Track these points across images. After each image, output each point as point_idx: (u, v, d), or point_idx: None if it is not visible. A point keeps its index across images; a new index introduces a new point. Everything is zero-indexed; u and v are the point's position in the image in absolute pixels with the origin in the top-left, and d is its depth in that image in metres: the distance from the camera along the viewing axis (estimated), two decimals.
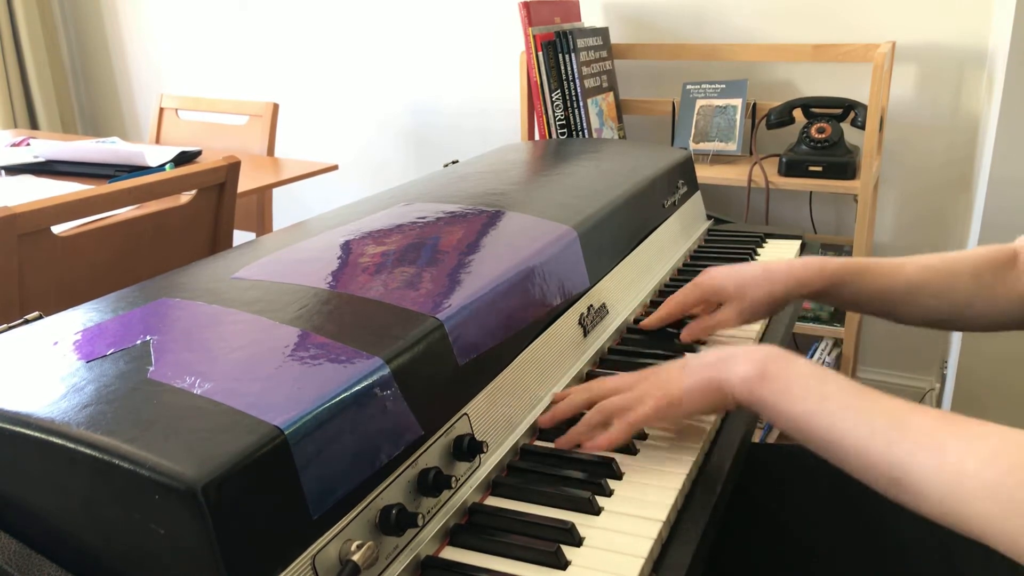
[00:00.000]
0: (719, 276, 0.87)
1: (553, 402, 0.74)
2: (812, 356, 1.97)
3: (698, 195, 1.29)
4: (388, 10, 2.52)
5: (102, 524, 0.48)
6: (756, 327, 0.94)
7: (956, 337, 1.78)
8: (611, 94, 2.10)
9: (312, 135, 2.78)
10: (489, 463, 0.65)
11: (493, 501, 0.64)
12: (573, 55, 1.95)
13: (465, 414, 0.64)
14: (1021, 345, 1.65)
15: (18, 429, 0.49)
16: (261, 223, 2.23)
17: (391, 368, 0.57)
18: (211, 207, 1.44)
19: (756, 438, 1.88)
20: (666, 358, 0.84)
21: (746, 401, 0.65)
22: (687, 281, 1.06)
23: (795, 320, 1.15)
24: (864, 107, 1.84)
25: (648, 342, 0.90)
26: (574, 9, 2.11)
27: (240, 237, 2.40)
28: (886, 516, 0.83)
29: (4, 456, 0.50)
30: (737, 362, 0.66)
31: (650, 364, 0.82)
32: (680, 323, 0.90)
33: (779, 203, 2.13)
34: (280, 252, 0.78)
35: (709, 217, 1.34)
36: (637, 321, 0.95)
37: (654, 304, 1.00)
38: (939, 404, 1.95)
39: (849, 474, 0.59)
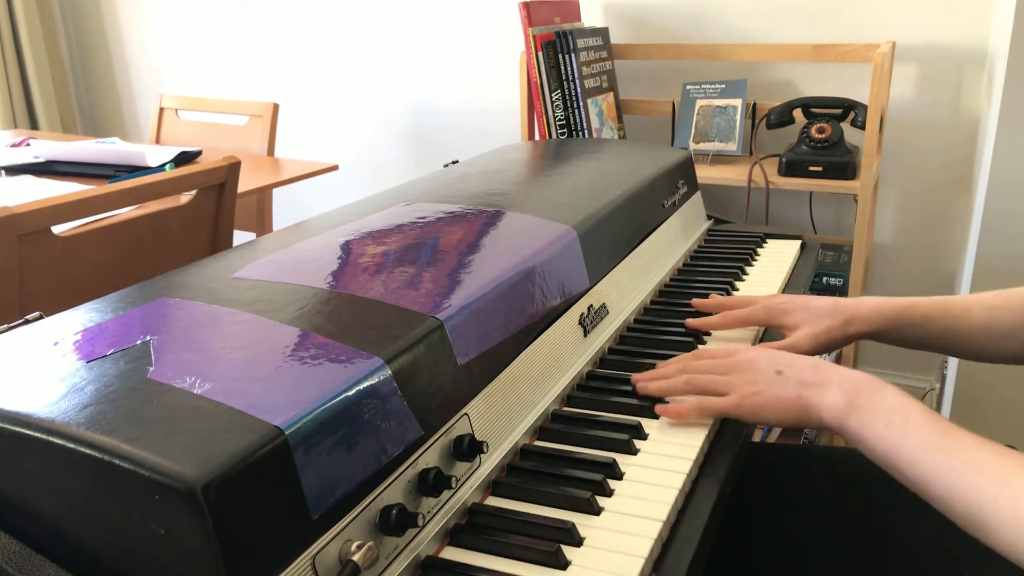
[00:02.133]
0: (789, 302, 0.87)
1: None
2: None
3: (698, 195, 1.29)
4: (388, 10, 2.52)
5: (102, 524, 0.48)
6: (753, 330, 0.94)
7: None
8: (611, 94, 2.10)
9: (312, 135, 2.78)
10: (489, 463, 0.65)
11: (493, 501, 0.64)
12: (573, 55, 1.95)
13: (465, 414, 0.64)
14: None
15: (18, 429, 0.49)
16: (261, 223, 2.23)
17: (391, 368, 0.57)
18: (211, 207, 1.44)
19: (756, 438, 1.88)
20: (664, 357, 0.84)
21: (832, 428, 0.67)
22: (687, 281, 1.06)
23: None
24: (864, 107, 1.84)
25: (648, 341, 0.90)
26: (574, 9, 2.11)
27: (240, 237, 2.40)
28: (886, 516, 0.83)
29: (4, 456, 0.50)
30: (830, 388, 0.67)
31: (650, 366, 0.82)
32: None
33: (779, 203, 2.13)
34: (280, 252, 0.78)
35: (709, 217, 1.34)
36: (638, 321, 0.95)
37: (655, 304, 1.00)
38: (939, 404, 1.95)
39: (859, 456, 0.61)
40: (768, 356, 0.73)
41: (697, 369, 0.75)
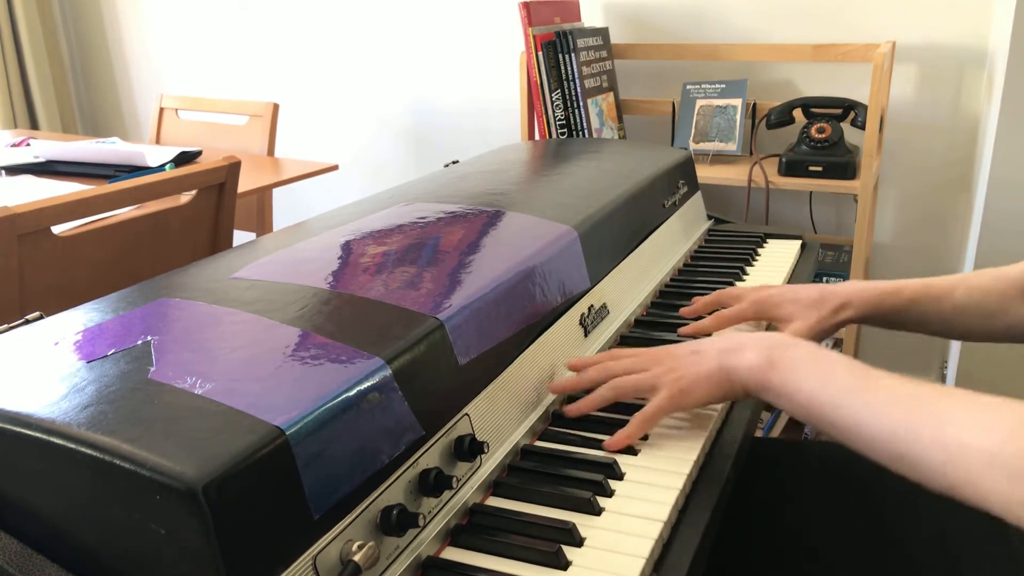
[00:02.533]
0: (777, 295, 0.88)
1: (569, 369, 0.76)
2: None
3: (698, 195, 1.29)
4: (388, 10, 2.52)
5: (102, 524, 0.47)
6: (756, 324, 0.94)
7: None
8: (611, 94, 2.10)
9: (312, 135, 2.78)
10: (490, 463, 0.65)
11: (494, 501, 0.64)
12: (573, 55, 1.95)
13: (466, 414, 0.64)
14: (1022, 348, 1.65)
15: (19, 429, 0.49)
16: (261, 223, 2.23)
17: (392, 368, 0.57)
18: (211, 207, 1.44)
19: (758, 434, 1.88)
20: None
21: (754, 389, 0.67)
22: (687, 281, 1.06)
23: None
24: (864, 107, 1.84)
25: (649, 341, 0.90)
26: (574, 9, 2.11)
27: (240, 237, 2.40)
28: (886, 513, 0.83)
29: (4, 456, 0.50)
30: (745, 350, 0.67)
31: None
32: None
33: (779, 203, 2.13)
34: (280, 252, 0.78)
35: (709, 217, 1.34)
36: (638, 321, 0.95)
37: (655, 304, 1.00)
38: None
39: (858, 453, 0.60)
40: (675, 346, 0.73)
41: (616, 371, 0.73)
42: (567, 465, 0.67)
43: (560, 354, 0.79)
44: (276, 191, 2.79)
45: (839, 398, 0.60)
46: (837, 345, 1.99)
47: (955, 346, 1.79)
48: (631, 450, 0.69)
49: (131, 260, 1.33)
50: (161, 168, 1.76)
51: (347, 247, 0.78)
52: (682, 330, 0.90)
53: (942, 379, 2.00)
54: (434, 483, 0.58)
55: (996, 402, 0.52)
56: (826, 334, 0.86)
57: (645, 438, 0.71)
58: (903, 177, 2.02)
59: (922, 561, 0.79)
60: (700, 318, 0.91)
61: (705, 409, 0.76)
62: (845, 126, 1.92)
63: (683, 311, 0.94)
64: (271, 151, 2.21)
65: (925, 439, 0.54)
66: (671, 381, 0.70)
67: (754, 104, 2.02)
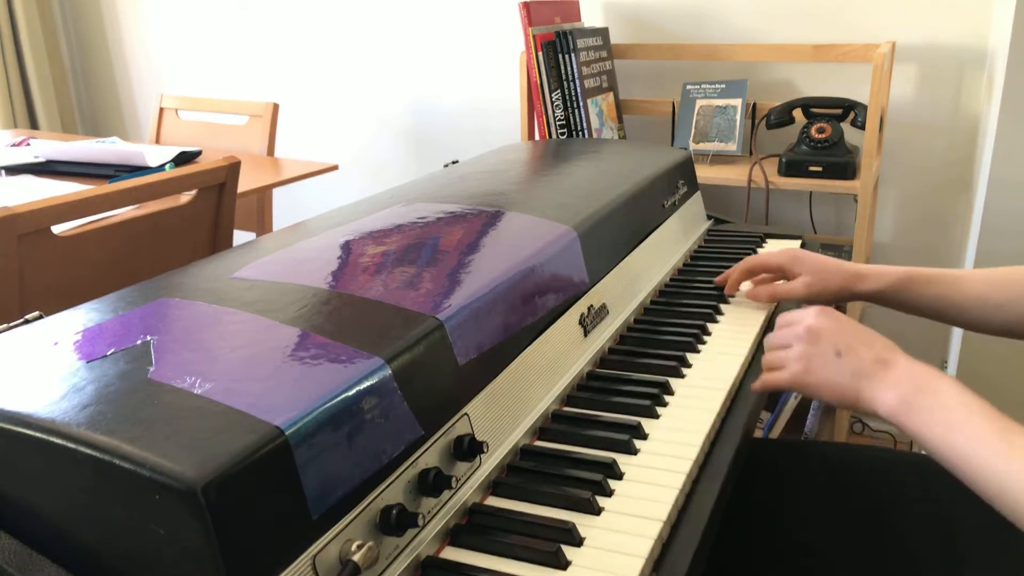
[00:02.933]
0: (803, 254, 0.96)
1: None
2: None
3: (698, 195, 1.29)
4: (388, 10, 2.52)
5: (102, 524, 0.47)
6: (757, 327, 0.94)
7: (956, 336, 1.78)
8: (611, 94, 2.10)
9: (312, 135, 2.78)
10: (489, 463, 0.65)
11: (493, 501, 0.64)
12: (573, 55, 1.95)
13: (465, 414, 0.64)
14: (1022, 345, 1.65)
15: (18, 429, 0.49)
16: (261, 223, 2.23)
17: (391, 368, 0.57)
18: (211, 207, 1.44)
19: (758, 434, 1.87)
20: (665, 357, 0.84)
21: (889, 421, 0.69)
22: (687, 281, 1.06)
23: None
24: (864, 107, 1.84)
25: (648, 341, 0.90)
26: (574, 9, 2.11)
27: (240, 237, 2.40)
28: (887, 513, 0.83)
29: (4, 456, 0.50)
30: (886, 385, 0.69)
31: (652, 364, 0.82)
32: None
33: (779, 203, 2.13)
34: (280, 252, 0.78)
35: (709, 217, 1.34)
36: (638, 321, 0.95)
37: (655, 304, 1.00)
38: None
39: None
40: (832, 330, 0.75)
41: (771, 342, 0.80)
42: (567, 465, 0.67)
43: (559, 354, 0.79)
44: (276, 191, 2.79)
45: (979, 459, 0.61)
46: None
47: (955, 342, 1.79)
48: (631, 449, 0.69)
49: (131, 260, 1.33)
50: (161, 168, 1.76)
51: (347, 247, 0.78)
52: (719, 278, 1.04)
53: None
54: (433, 483, 0.58)
55: None
56: (831, 298, 0.92)
57: (645, 438, 0.71)
58: (903, 177, 2.02)
59: (923, 562, 0.79)
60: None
61: (704, 409, 0.76)
62: (845, 126, 1.92)
63: (718, 280, 1.05)
64: (271, 151, 2.21)
65: None
66: (801, 371, 0.74)
67: (754, 104, 2.02)
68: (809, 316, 0.77)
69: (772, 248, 1.21)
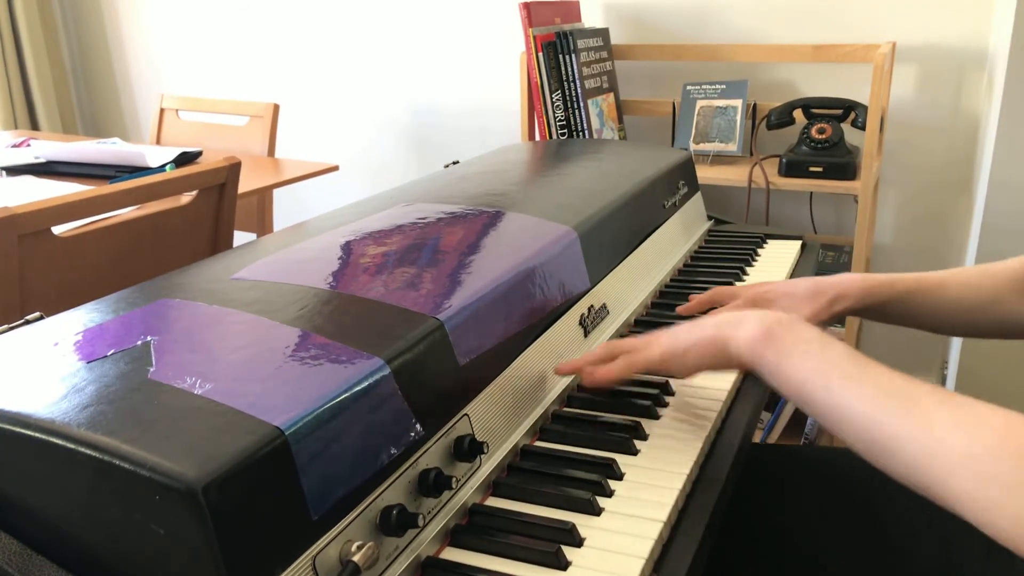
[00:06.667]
0: (772, 290, 0.89)
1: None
2: None
3: (698, 196, 1.29)
4: (388, 11, 2.52)
5: (102, 524, 0.48)
6: None
7: (956, 338, 1.78)
8: (611, 95, 2.10)
9: (312, 135, 2.78)
10: (489, 464, 0.65)
11: (493, 502, 0.64)
12: (573, 56, 1.95)
13: (466, 414, 0.64)
14: (1022, 345, 1.65)
15: (19, 429, 0.49)
16: (262, 224, 2.23)
17: (391, 368, 0.57)
18: (212, 208, 1.44)
19: (757, 439, 1.88)
20: None
21: (749, 361, 0.67)
22: (687, 281, 1.06)
23: None
24: (864, 107, 1.84)
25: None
26: (574, 10, 2.11)
27: (241, 238, 2.40)
28: (886, 517, 0.83)
29: (4, 456, 0.50)
30: (744, 323, 0.68)
31: None
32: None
33: (779, 203, 2.13)
34: (280, 252, 0.78)
35: (709, 218, 1.34)
36: (638, 322, 0.95)
37: (655, 305, 1.00)
38: None
39: (840, 437, 0.60)
40: (686, 323, 0.74)
41: (622, 346, 0.77)
42: (567, 465, 0.67)
43: (560, 354, 0.79)
44: (276, 192, 2.79)
45: (831, 382, 0.60)
46: None
47: (955, 345, 1.79)
48: (631, 450, 0.69)
49: (131, 261, 1.34)
50: (161, 169, 1.76)
51: (347, 247, 0.78)
52: (680, 309, 0.93)
53: (942, 379, 2.00)
54: (434, 483, 0.58)
55: (988, 410, 0.52)
56: (824, 322, 0.86)
57: (645, 438, 0.71)
58: (903, 177, 2.02)
59: (923, 565, 0.79)
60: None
61: (705, 409, 0.76)
62: (845, 126, 1.92)
63: (680, 309, 0.94)
64: (271, 152, 2.21)
65: (906, 431, 0.54)
66: (668, 343, 0.72)
67: (754, 105, 2.02)
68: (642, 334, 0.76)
69: (772, 248, 1.21)
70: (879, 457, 0.56)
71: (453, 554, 0.58)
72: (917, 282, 0.86)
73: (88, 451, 0.46)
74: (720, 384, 0.81)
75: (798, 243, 1.24)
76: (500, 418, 0.68)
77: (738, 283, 1.07)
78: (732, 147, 1.97)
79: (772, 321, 0.67)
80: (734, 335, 0.68)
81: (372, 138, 2.69)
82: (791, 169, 1.86)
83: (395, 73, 2.58)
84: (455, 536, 0.59)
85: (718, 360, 0.70)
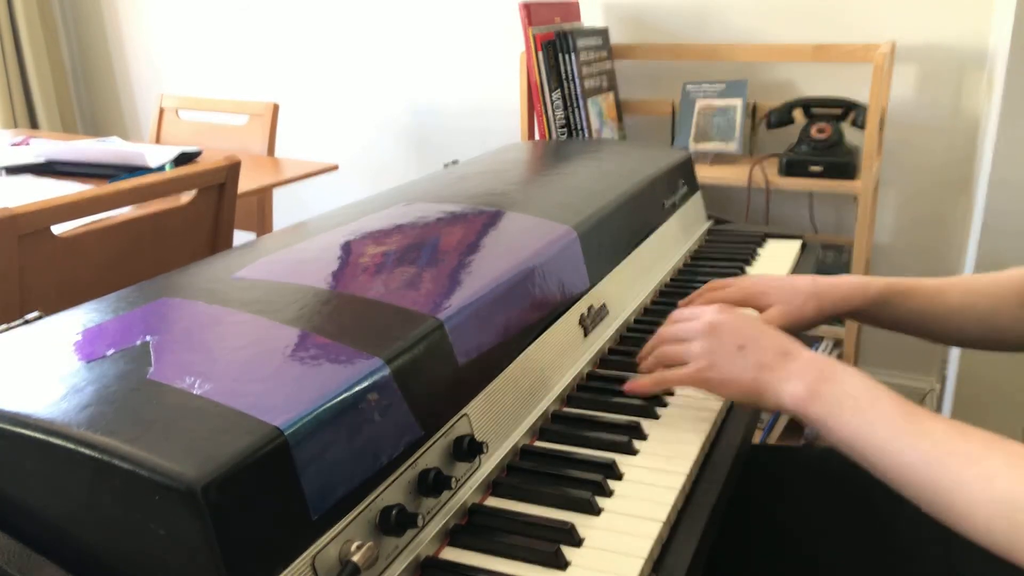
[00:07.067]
0: (766, 282, 0.87)
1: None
2: None
3: (698, 195, 1.29)
4: (388, 11, 2.52)
5: (102, 524, 0.47)
6: None
7: None
8: (611, 94, 2.10)
9: (312, 135, 2.78)
10: (489, 463, 0.65)
11: (493, 502, 0.64)
12: (573, 55, 1.95)
13: (465, 414, 0.64)
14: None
15: (18, 429, 0.49)
16: (261, 223, 2.23)
17: (391, 368, 0.57)
18: (211, 207, 1.44)
19: (756, 439, 1.88)
20: None
21: (795, 415, 0.66)
22: (687, 281, 1.06)
23: None
24: (864, 107, 1.84)
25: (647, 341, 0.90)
26: (574, 9, 2.11)
27: (240, 237, 2.39)
28: (886, 517, 0.83)
29: (4, 456, 0.50)
30: (789, 377, 0.66)
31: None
32: None
33: (779, 203, 2.13)
34: (280, 252, 0.78)
35: (709, 217, 1.34)
36: (638, 322, 0.95)
37: (655, 305, 1.00)
38: (939, 405, 1.95)
39: (897, 491, 0.60)
40: (733, 325, 0.72)
41: (665, 337, 0.77)
42: (566, 465, 0.67)
43: (559, 354, 0.79)
44: (276, 191, 2.79)
45: (885, 441, 0.59)
46: (837, 346, 1.99)
47: (955, 349, 1.79)
48: (631, 449, 0.69)
49: (131, 260, 1.33)
50: (161, 168, 1.76)
51: (347, 247, 0.78)
52: (681, 303, 0.91)
53: (942, 380, 2.00)
54: (433, 483, 0.58)
55: None
56: (809, 323, 0.85)
57: (644, 438, 0.71)
58: (903, 177, 2.02)
59: (923, 566, 0.79)
60: None
61: (704, 409, 0.76)
62: (845, 126, 1.92)
63: (680, 304, 0.93)
64: (271, 151, 2.21)
65: (974, 493, 0.53)
66: (704, 366, 0.71)
67: (754, 104, 2.02)
68: (709, 312, 0.74)
69: (772, 248, 1.21)
70: (943, 513, 0.56)
71: (453, 554, 0.58)
72: (919, 287, 0.85)
73: (88, 451, 0.46)
74: None
75: (798, 243, 1.24)
76: (500, 418, 0.68)
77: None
78: (732, 147, 1.97)
79: (815, 377, 0.65)
80: (778, 390, 0.67)
81: (372, 138, 2.68)
82: (791, 169, 1.86)
83: (395, 73, 2.58)
84: (455, 536, 0.59)
85: (753, 402, 0.69)
